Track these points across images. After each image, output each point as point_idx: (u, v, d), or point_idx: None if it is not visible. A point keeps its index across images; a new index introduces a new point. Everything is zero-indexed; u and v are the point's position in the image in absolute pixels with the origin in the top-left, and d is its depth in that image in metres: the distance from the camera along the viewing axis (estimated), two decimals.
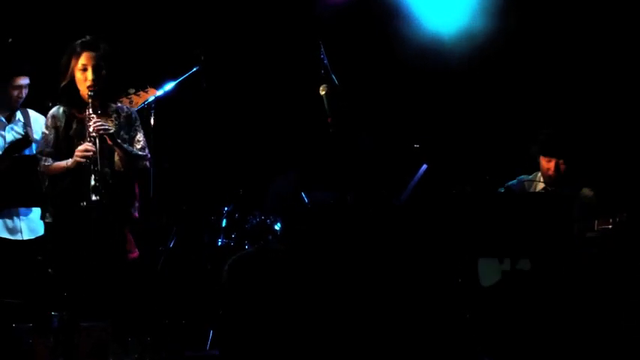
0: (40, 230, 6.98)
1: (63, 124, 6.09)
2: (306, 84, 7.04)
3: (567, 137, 6.97)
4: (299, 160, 8.20)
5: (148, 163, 6.19)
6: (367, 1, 8.34)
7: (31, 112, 7.18)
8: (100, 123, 5.95)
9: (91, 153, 5.91)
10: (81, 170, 5.95)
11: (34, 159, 6.55)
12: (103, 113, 6.08)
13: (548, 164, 6.92)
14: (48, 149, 6.10)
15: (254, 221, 7.88)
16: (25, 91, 6.99)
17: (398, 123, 8.29)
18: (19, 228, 6.98)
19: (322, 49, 6.88)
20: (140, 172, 6.20)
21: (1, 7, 7.99)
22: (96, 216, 5.96)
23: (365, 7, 8.33)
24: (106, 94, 6.11)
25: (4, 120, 7.04)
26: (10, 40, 7.47)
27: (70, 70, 6.04)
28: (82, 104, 6.04)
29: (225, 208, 8.07)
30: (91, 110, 5.97)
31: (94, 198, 5.88)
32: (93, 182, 5.89)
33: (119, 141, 6.03)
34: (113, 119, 6.14)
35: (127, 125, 6.18)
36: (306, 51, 7.18)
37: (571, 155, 6.89)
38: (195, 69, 7.80)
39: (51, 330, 6.23)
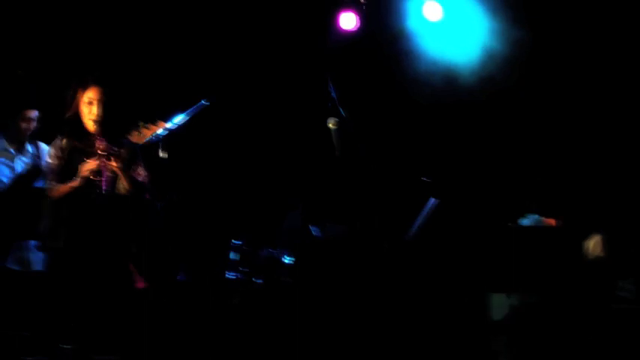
0: None
1: (65, 156, 6.09)
2: (314, 118, 7.06)
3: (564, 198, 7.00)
4: (307, 194, 8.20)
5: (147, 195, 6.20)
6: (375, 34, 8.35)
7: (41, 144, 7.22)
8: (105, 145, 5.97)
9: (96, 167, 5.92)
10: (87, 192, 5.97)
11: (44, 191, 6.60)
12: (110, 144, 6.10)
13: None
14: (53, 176, 6.08)
15: (264, 255, 7.89)
16: (34, 124, 7.04)
17: (406, 157, 8.28)
18: (28, 260, 7.00)
19: (330, 83, 6.90)
20: (140, 202, 6.20)
21: (12, 40, 8.06)
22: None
23: (373, 40, 8.35)
24: (112, 127, 6.14)
25: (13, 151, 7.08)
26: (19, 72, 7.53)
27: (76, 102, 6.04)
28: (84, 136, 6.06)
29: (236, 242, 8.07)
30: (96, 136, 6.01)
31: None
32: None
33: (123, 165, 6.05)
34: (118, 148, 6.15)
35: (129, 158, 6.17)
36: (314, 85, 7.21)
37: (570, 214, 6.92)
38: (203, 103, 7.82)
39: None
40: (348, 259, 7.08)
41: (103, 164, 5.94)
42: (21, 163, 7.08)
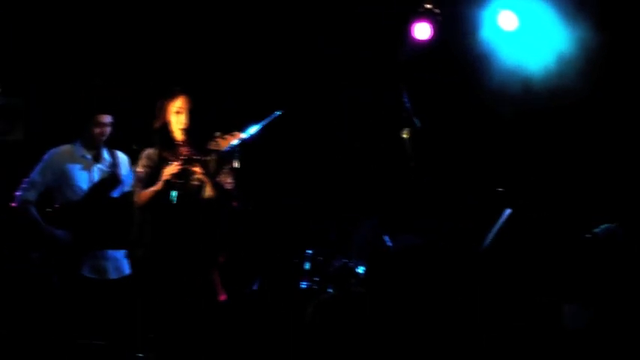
0: (126, 270, 7.07)
1: (155, 165, 6.18)
2: (389, 128, 7.04)
3: None
4: (382, 204, 8.18)
5: (235, 203, 6.22)
6: (450, 43, 8.30)
7: (118, 153, 7.28)
8: (189, 150, 6.05)
9: (176, 170, 6.00)
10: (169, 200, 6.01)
11: (125, 201, 6.66)
12: (198, 152, 6.17)
13: None
14: (140, 185, 6.20)
15: (337, 265, 7.88)
16: (107, 129, 7.07)
17: (481, 166, 8.22)
18: (105, 268, 7.05)
19: (405, 93, 6.87)
20: (228, 209, 6.22)
21: (88, 48, 8.15)
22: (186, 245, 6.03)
23: (447, 49, 8.30)
24: (198, 136, 6.18)
25: (90, 158, 7.13)
26: (96, 79, 7.61)
27: (165, 112, 6.16)
28: (174, 146, 6.14)
29: (309, 251, 8.08)
30: (182, 144, 6.09)
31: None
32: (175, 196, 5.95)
33: (207, 171, 6.11)
34: (205, 157, 6.21)
35: (217, 166, 6.23)
36: (388, 95, 7.19)
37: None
38: (277, 113, 7.84)
39: None
40: (421, 269, 7.05)
41: (184, 168, 6.00)
42: (98, 171, 7.13)
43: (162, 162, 6.18)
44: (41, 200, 7.12)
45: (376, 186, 8.49)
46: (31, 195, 7.00)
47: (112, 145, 7.26)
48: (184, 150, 6.07)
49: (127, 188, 7.13)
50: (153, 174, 6.17)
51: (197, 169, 6.06)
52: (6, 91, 7.65)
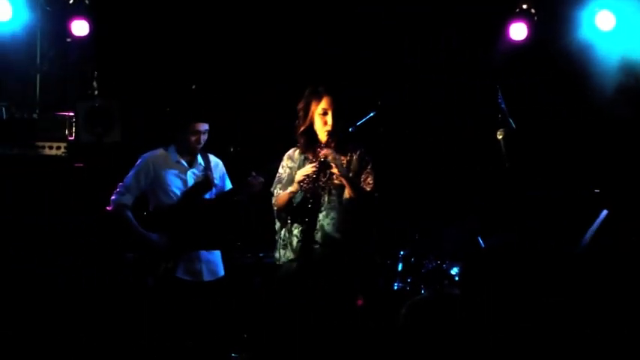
0: (220, 272, 7.11)
1: (297, 166, 6.14)
2: (484, 129, 6.99)
3: None
4: (477, 206, 8.13)
5: (375, 204, 6.14)
6: (545, 42, 8.24)
7: (212, 157, 7.32)
8: (328, 150, 5.97)
9: (311, 172, 5.93)
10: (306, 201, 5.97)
11: (219, 203, 6.70)
12: (338, 153, 6.09)
13: None
14: (280, 185, 6.16)
15: (430, 266, 7.86)
16: (203, 137, 7.09)
17: (577, 168, 8.13)
18: (199, 270, 7.10)
19: (499, 93, 6.82)
20: (368, 212, 6.14)
21: (187, 52, 8.23)
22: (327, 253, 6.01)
23: (543, 48, 8.24)
24: (340, 136, 6.14)
25: (185, 164, 7.19)
26: (193, 87, 7.65)
27: (310, 114, 6.09)
28: (316, 148, 6.08)
29: (401, 252, 8.06)
30: (324, 145, 6.02)
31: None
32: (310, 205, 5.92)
33: (345, 172, 6.02)
34: (346, 157, 6.16)
35: (358, 167, 6.18)
36: (483, 95, 7.15)
37: None
38: (372, 114, 7.85)
39: None
40: (516, 269, 6.98)
41: (320, 170, 5.95)
42: (192, 176, 7.19)
43: (304, 163, 6.13)
44: (136, 203, 7.21)
45: (470, 186, 8.45)
46: (126, 199, 7.07)
47: (209, 147, 7.32)
48: (324, 151, 5.99)
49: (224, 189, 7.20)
50: (294, 175, 6.10)
51: (335, 170, 5.96)
52: (103, 93, 7.75)
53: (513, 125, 6.77)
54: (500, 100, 6.82)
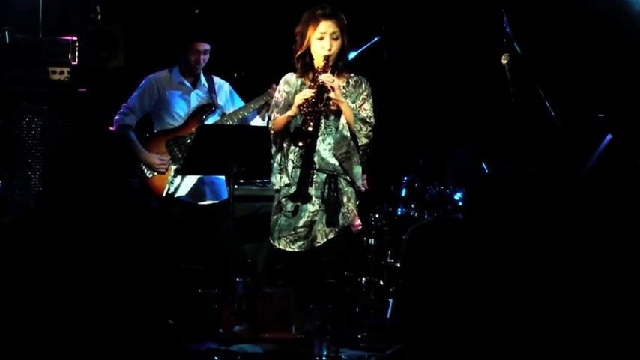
0: (223, 195, 7.13)
1: (293, 91, 6.07)
2: (489, 53, 6.96)
3: None
4: (480, 131, 8.13)
5: (371, 133, 6.05)
6: None
7: (216, 79, 7.32)
8: (326, 75, 5.90)
9: (309, 96, 5.85)
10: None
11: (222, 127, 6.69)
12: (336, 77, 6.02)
13: None
14: (276, 110, 6.09)
15: (433, 191, 7.89)
16: (204, 57, 7.10)
17: (583, 92, 8.09)
18: (202, 192, 7.13)
19: (505, 18, 6.77)
20: (365, 140, 6.06)
21: None
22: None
23: None
24: (339, 62, 6.06)
25: (189, 85, 7.19)
26: (196, 11, 7.63)
27: (307, 38, 5.99)
28: (314, 72, 5.99)
29: (405, 178, 8.08)
30: (321, 70, 5.93)
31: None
32: (310, 129, 5.86)
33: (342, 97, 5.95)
34: (343, 82, 6.09)
35: (355, 93, 6.12)
36: (488, 20, 7.10)
37: None
38: (376, 39, 7.82)
39: (235, 295, 6.38)
40: (520, 197, 6.99)
41: (318, 94, 5.87)
42: (196, 97, 7.19)
43: (301, 88, 6.06)
44: (140, 125, 7.23)
45: (473, 112, 8.44)
46: (130, 119, 7.11)
47: (214, 73, 7.31)
48: (322, 75, 5.92)
49: (228, 112, 7.19)
50: (290, 100, 6.03)
51: (332, 95, 5.88)
52: (107, 17, 7.72)
53: (519, 50, 6.74)
54: (505, 25, 6.78)
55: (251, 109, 7.14)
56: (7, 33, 7.53)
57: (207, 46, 7.08)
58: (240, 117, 7.11)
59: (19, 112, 7.56)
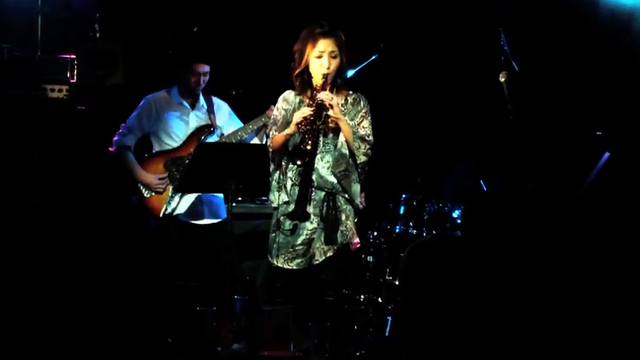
0: (222, 214, 7.14)
1: (292, 109, 6.04)
2: (486, 71, 6.97)
3: None
4: (478, 149, 8.13)
5: (370, 151, 5.99)
6: None
7: (215, 100, 7.32)
8: (324, 93, 5.86)
9: (308, 114, 5.81)
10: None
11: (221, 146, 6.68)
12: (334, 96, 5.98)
13: None
14: (275, 127, 6.05)
15: (432, 209, 7.88)
16: (204, 79, 7.09)
17: (580, 110, 8.10)
18: (201, 212, 7.13)
19: (503, 36, 6.79)
20: (363, 158, 5.99)
21: None
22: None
23: None
24: (338, 80, 6.03)
25: (188, 106, 7.19)
26: (195, 29, 7.64)
27: (305, 56, 5.94)
28: (312, 90, 5.96)
29: (404, 195, 8.08)
30: (319, 88, 5.90)
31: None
32: (309, 147, 5.83)
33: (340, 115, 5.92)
34: (341, 100, 6.05)
35: (353, 110, 6.07)
36: (486, 38, 7.11)
37: None
38: (374, 57, 7.83)
39: (234, 313, 6.36)
40: (517, 214, 7.01)
41: (317, 112, 5.83)
42: (195, 118, 7.19)
43: (300, 106, 6.03)
44: (139, 145, 7.22)
45: (472, 129, 8.43)
46: (128, 140, 7.10)
47: (212, 91, 7.31)
48: (321, 94, 5.90)
49: (226, 133, 7.20)
50: (288, 118, 5.99)
51: (331, 113, 5.84)
52: (105, 35, 7.73)
53: (516, 68, 6.75)
54: (503, 43, 6.79)
55: (249, 130, 7.15)
56: (5, 50, 7.53)
57: (207, 68, 7.08)
58: (238, 138, 7.11)
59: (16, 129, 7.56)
